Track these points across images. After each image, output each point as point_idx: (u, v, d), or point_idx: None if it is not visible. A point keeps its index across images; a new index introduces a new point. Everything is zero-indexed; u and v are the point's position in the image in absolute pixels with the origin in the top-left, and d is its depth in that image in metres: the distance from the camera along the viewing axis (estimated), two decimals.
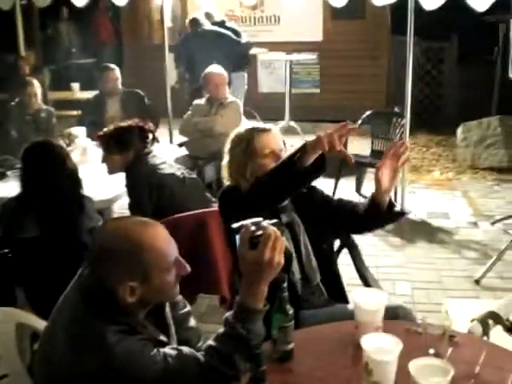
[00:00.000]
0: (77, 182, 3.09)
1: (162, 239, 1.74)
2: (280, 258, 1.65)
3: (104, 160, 3.68)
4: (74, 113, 6.85)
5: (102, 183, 3.91)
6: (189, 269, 1.79)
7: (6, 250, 3.28)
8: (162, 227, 1.78)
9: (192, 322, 1.99)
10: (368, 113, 6.18)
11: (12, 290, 3.53)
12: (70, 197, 3.02)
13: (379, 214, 2.45)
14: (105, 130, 3.73)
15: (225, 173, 2.66)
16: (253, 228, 1.65)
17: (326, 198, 2.72)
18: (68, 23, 10.95)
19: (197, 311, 3.99)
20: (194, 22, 7.26)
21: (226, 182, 2.65)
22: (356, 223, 2.62)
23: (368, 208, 2.47)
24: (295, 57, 8.60)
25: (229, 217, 2.57)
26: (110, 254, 1.69)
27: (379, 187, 2.39)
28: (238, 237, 1.67)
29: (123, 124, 3.71)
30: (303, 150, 2.19)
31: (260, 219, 1.69)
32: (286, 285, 1.81)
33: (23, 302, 3.39)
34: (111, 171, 3.68)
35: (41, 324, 2.18)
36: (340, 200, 2.71)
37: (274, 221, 1.71)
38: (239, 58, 7.16)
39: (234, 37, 7.22)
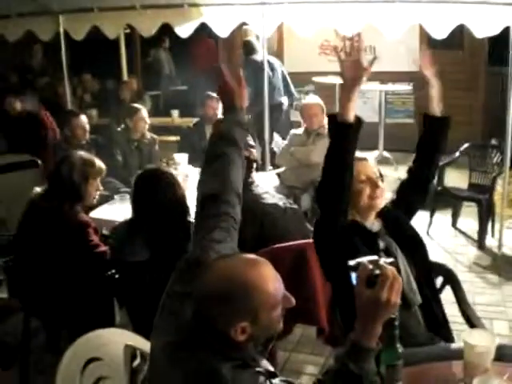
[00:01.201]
0: (185, 209, 3.21)
1: (270, 279, 1.75)
2: (397, 299, 1.65)
3: None
4: (173, 138, 7.07)
5: None
6: (294, 302, 1.80)
7: (114, 271, 3.46)
8: (270, 266, 1.79)
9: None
10: (466, 145, 6.09)
11: (112, 310, 3.70)
12: (178, 223, 3.14)
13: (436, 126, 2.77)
14: None
15: None
16: (371, 267, 1.67)
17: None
18: (168, 51, 11.32)
19: (291, 340, 4.04)
20: (246, 45, 7.37)
21: None
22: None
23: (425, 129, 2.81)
24: (390, 87, 8.58)
25: (323, 248, 2.63)
26: (219, 296, 1.70)
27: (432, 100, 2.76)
28: (353, 274, 1.70)
29: None
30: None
31: (376, 257, 1.71)
32: (397, 323, 1.82)
33: (123, 321, 3.55)
34: None
35: (146, 346, 2.18)
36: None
37: (391, 260, 1.73)
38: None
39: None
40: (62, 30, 6.71)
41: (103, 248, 3.54)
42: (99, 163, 3.75)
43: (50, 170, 3.80)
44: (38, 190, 3.73)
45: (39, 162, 5.70)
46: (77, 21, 6.63)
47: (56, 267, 3.47)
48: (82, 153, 3.79)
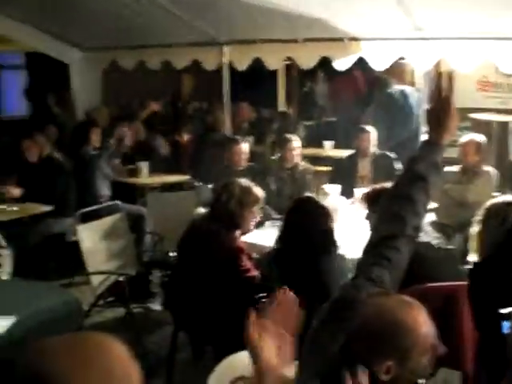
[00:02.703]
0: (331, 242, 3.25)
1: (424, 323, 1.73)
2: None
3: (368, 218, 3.80)
4: (325, 169, 7.14)
5: (352, 242, 4.03)
6: (443, 350, 1.77)
7: (262, 295, 3.56)
8: (423, 310, 1.77)
9: None
10: None
11: None
12: (321, 255, 3.19)
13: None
14: (372, 188, 3.89)
15: (473, 244, 2.60)
16: None
17: None
18: (324, 82, 11.46)
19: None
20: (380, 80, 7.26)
21: (473, 255, 2.59)
22: None
23: None
24: None
25: (479, 293, 2.53)
26: (372, 332, 1.71)
27: None
28: (505, 323, 1.65)
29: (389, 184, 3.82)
30: None
31: None
32: None
33: None
34: None
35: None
36: None
37: None
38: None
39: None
40: (225, 60, 7.07)
41: (254, 273, 3.65)
42: (257, 192, 3.86)
43: (213, 196, 3.97)
44: (201, 211, 3.94)
45: (197, 184, 6.01)
46: (240, 52, 6.97)
47: (208, 286, 3.64)
48: (241, 180, 3.93)
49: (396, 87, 7.19)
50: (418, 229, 2.07)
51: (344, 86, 10.50)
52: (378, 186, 3.83)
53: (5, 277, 3.78)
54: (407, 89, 7.29)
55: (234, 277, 3.63)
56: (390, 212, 2.07)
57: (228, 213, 3.71)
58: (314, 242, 3.20)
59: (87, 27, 7.30)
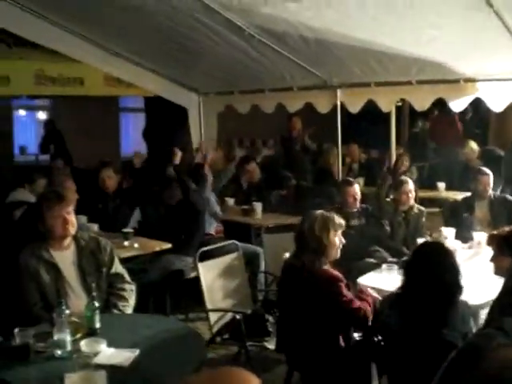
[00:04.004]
0: (460, 287, 3.20)
1: None
2: None
3: (493, 259, 3.72)
4: (438, 211, 7.03)
5: (473, 288, 3.93)
6: None
7: (380, 338, 3.56)
8: None
9: None
10: None
11: (368, 375, 3.77)
12: (452, 300, 3.15)
13: None
14: (501, 230, 3.83)
15: None
16: None
17: None
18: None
19: None
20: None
21: None
22: None
23: None
24: None
25: None
26: None
27: None
28: None
29: None
30: None
31: None
32: None
33: None
34: (497, 272, 3.70)
35: None
36: None
37: None
38: None
39: None
40: (339, 103, 7.17)
41: (357, 304, 3.65)
42: (339, 218, 3.86)
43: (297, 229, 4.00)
44: (287, 255, 4.02)
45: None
46: (354, 94, 7.05)
47: (314, 322, 3.67)
48: (321, 211, 3.94)
49: None
50: None
51: (443, 125, 10.40)
52: (508, 228, 3.76)
53: (129, 311, 3.96)
54: None
55: (337, 310, 3.63)
56: None
57: (314, 239, 3.73)
58: (443, 288, 3.16)
59: (205, 74, 7.67)
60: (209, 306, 4.65)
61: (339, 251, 3.84)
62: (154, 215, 6.10)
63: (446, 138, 10.06)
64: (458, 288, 3.18)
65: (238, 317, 4.41)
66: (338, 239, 3.81)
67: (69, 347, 3.00)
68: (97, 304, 3.26)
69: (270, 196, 7.52)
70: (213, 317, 4.61)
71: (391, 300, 3.43)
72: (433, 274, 3.17)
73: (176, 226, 5.89)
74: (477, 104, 6.35)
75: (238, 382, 1.32)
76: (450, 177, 8.59)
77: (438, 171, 9.49)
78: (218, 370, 1.39)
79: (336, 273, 3.73)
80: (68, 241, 3.87)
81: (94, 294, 3.34)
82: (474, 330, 3.13)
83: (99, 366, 2.80)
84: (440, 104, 7.31)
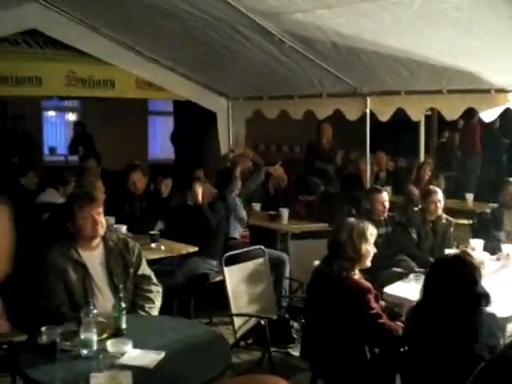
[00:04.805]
0: (480, 303, 3.16)
1: None
2: None
3: None
4: (466, 222, 6.95)
5: (501, 300, 3.88)
6: None
7: (405, 349, 3.52)
8: None
9: None
10: None
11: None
12: (476, 310, 3.11)
13: None
14: None
15: None
16: None
17: None
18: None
19: None
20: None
21: None
22: None
23: None
24: None
25: None
26: None
27: None
28: None
29: None
30: None
31: None
32: None
33: None
34: None
35: None
36: None
37: None
38: None
39: None
40: (368, 111, 7.15)
41: (384, 318, 3.61)
42: (372, 228, 3.85)
43: (330, 237, 3.98)
44: (316, 262, 4.00)
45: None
46: (383, 102, 7.04)
47: (340, 331, 3.64)
48: (355, 219, 3.93)
49: None
50: None
51: (466, 135, 10.34)
52: None
53: (155, 313, 3.97)
54: None
55: (362, 321, 3.60)
56: None
57: (352, 248, 3.71)
58: (467, 298, 3.12)
59: (235, 79, 7.72)
60: (233, 310, 4.66)
61: (370, 259, 3.84)
62: (179, 217, 6.12)
63: (474, 148, 10.00)
64: (483, 298, 3.13)
65: (262, 322, 4.41)
66: (371, 248, 3.81)
67: (95, 347, 3.01)
68: (123, 305, 3.28)
69: (297, 202, 7.49)
70: (237, 321, 4.62)
71: (416, 311, 3.39)
72: (453, 285, 3.13)
73: (199, 228, 5.90)
74: (504, 113, 6.27)
75: None
76: (479, 187, 8.53)
77: (465, 181, 9.43)
78: (254, 377, 1.39)
79: (366, 283, 3.71)
80: (97, 241, 3.90)
81: (121, 294, 3.36)
82: (502, 343, 3.09)
83: (125, 367, 2.82)
84: (467, 114, 7.23)
